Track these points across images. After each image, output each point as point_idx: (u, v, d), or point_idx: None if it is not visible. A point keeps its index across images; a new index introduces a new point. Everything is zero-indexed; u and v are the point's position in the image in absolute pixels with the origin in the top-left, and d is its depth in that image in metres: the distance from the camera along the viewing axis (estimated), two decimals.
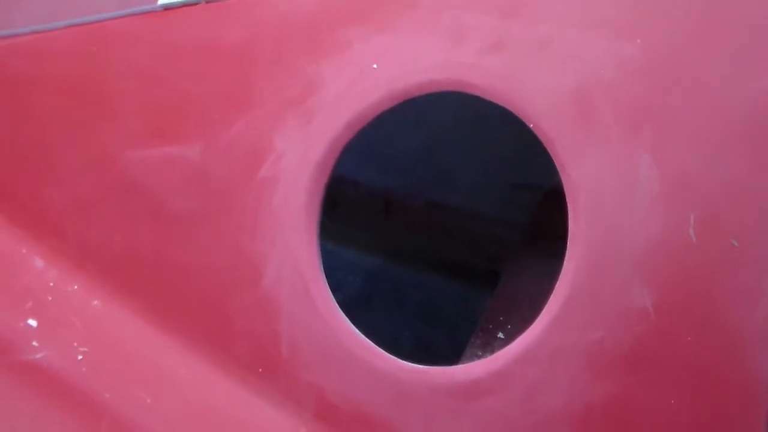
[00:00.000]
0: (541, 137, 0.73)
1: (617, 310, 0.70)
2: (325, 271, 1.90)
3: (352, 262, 2.01)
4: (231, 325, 0.84)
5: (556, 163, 0.72)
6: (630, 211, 0.70)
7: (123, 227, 0.89)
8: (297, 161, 0.81)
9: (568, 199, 0.72)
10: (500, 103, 0.75)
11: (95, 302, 0.90)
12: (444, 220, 1.93)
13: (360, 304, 1.92)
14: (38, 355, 0.86)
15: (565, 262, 0.72)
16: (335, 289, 1.98)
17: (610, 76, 0.72)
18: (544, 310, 0.73)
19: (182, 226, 0.86)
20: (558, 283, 0.72)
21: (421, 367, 0.77)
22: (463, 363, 0.94)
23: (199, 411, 0.83)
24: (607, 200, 0.71)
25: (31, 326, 0.87)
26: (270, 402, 0.83)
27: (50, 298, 0.90)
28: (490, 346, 0.97)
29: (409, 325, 1.91)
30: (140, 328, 0.88)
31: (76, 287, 0.90)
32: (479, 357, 0.96)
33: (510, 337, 0.98)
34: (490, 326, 1.00)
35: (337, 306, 0.80)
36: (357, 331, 0.79)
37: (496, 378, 0.74)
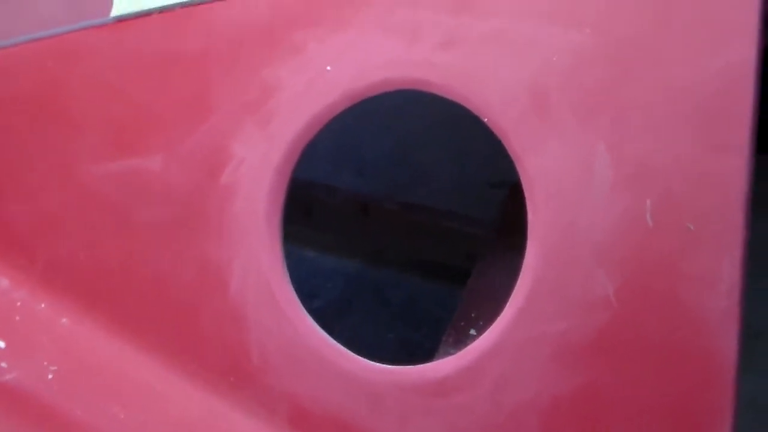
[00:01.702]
0: (496, 131, 0.73)
1: (580, 299, 0.70)
2: (303, 278, 1.90)
3: (331, 268, 2.02)
4: (201, 336, 0.83)
5: (512, 157, 0.72)
6: (587, 200, 0.70)
7: (89, 242, 0.89)
8: (256, 166, 0.81)
9: (525, 192, 0.72)
10: (456, 99, 0.75)
11: (63, 320, 0.89)
12: (421, 220, 1.93)
13: (341, 308, 1.92)
14: (8, 377, 0.85)
15: (526, 255, 0.72)
16: (315, 295, 1.97)
17: (563, 65, 0.73)
18: (508, 304, 0.73)
19: (148, 237, 0.86)
20: (520, 276, 0.72)
21: (390, 367, 0.77)
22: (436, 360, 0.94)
23: (172, 423, 0.83)
24: (565, 191, 0.71)
25: None
26: (243, 412, 0.82)
27: (18, 318, 0.89)
28: (462, 343, 0.97)
29: (392, 327, 1.90)
30: (110, 342, 0.87)
31: (43, 305, 0.90)
32: (451, 355, 0.96)
33: (481, 333, 0.98)
34: (462, 323, 1.00)
35: (304, 310, 0.79)
36: (326, 335, 0.78)
37: (464, 374, 0.74)
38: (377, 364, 0.77)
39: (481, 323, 1.00)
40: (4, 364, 0.86)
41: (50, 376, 0.85)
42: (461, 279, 1.97)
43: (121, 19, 0.86)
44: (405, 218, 1.92)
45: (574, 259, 0.70)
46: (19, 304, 0.90)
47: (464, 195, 2.07)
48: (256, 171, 0.81)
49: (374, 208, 1.94)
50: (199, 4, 0.85)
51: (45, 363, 0.86)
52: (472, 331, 0.99)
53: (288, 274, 0.80)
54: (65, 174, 0.89)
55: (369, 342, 1.89)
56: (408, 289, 1.98)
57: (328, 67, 0.79)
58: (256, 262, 0.80)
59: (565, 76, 0.72)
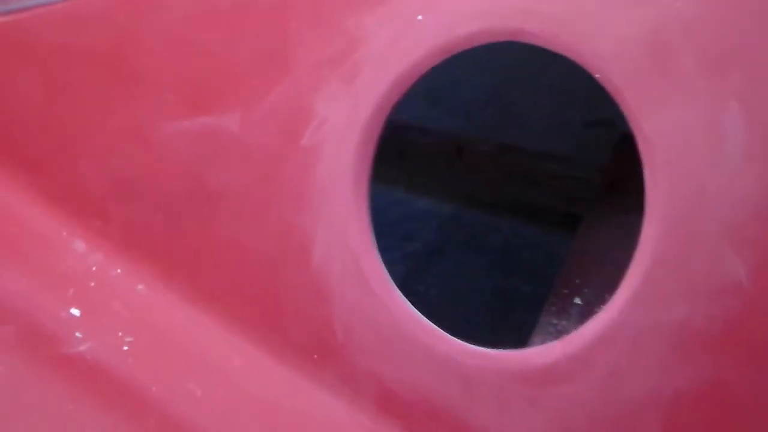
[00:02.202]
0: (608, 88, 0.64)
1: (706, 283, 0.61)
2: (396, 220, 1.83)
3: (424, 211, 1.96)
4: (283, 309, 0.77)
5: (628, 117, 0.63)
6: (717, 168, 0.61)
7: (165, 204, 0.83)
8: (341, 127, 0.73)
9: (642, 158, 0.63)
10: (563, 52, 0.66)
11: (140, 287, 0.84)
12: (517, 162, 1.86)
13: (434, 253, 1.86)
14: (82, 347, 0.81)
15: (644, 229, 0.63)
16: (409, 238, 1.91)
17: (689, 12, 0.62)
18: (621, 285, 0.64)
19: (225, 202, 0.80)
20: (636, 253, 0.63)
21: (489, 351, 0.69)
22: (537, 333, 0.86)
23: (253, 402, 0.77)
24: (690, 158, 0.61)
25: (74, 316, 0.82)
26: (327, 390, 0.76)
27: (93, 284, 0.85)
28: (565, 312, 0.89)
29: (488, 273, 1.84)
30: (187, 313, 0.81)
31: (119, 271, 0.85)
32: (555, 326, 0.88)
33: (588, 303, 0.90)
34: (565, 291, 0.91)
35: (394, 285, 0.72)
36: (416, 311, 0.71)
37: (572, 362, 0.66)
38: (474, 346, 0.69)
39: (587, 291, 0.92)
40: (78, 334, 0.81)
41: (125, 348, 0.80)
42: (559, 222, 1.89)
43: None
44: (500, 160, 1.85)
45: (699, 236, 0.61)
46: (94, 268, 0.85)
47: (560, 135, 1.98)
48: (340, 132, 0.73)
49: (468, 149, 1.88)
50: None
51: (120, 333, 0.81)
52: (577, 300, 0.90)
53: (376, 246, 0.73)
54: (138, 131, 0.83)
55: (463, 288, 1.83)
56: (504, 233, 1.90)
57: (419, 17, 0.70)
58: (341, 231, 0.73)
59: (691, 24, 0.63)
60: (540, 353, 0.67)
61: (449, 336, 0.71)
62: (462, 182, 1.94)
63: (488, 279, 1.79)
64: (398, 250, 1.87)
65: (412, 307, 0.72)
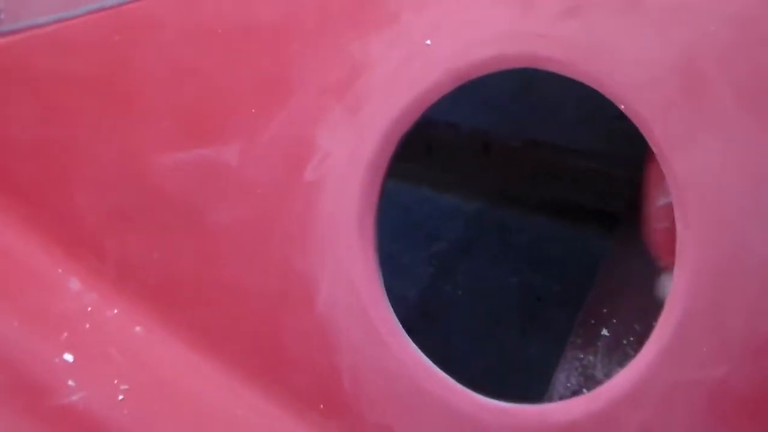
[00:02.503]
0: (635, 121, 0.57)
1: (745, 341, 0.55)
2: (423, 218, 1.78)
3: (451, 208, 1.90)
4: (287, 355, 0.72)
5: (657, 154, 0.57)
6: (758, 216, 0.54)
7: (162, 242, 0.78)
8: (345, 161, 0.67)
9: (673, 199, 0.56)
10: (583, 80, 0.59)
11: (137, 329, 0.79)
12: (546, 157, 1.80)
13: (461, 252, 1.80)
14: (75, 397, 0.76)
15: (675, 277, 0.56)
16: (436, 237, 1.86)
17: (726, 37, 0.56)
18: (651, 337, 0.58)
19: (224, 239, 0.74)
20: (668, 303, 0.57)
21: (506, 405, 0.63)
22: (561, 369, 0.80)
23: None
24: (726, 202, 0.55)
25: (66, 362, 0.77)
26: None
27: (88, 326, 0.80)
28: (592, 346, 0.83)
29: (517, 271, 1.78)
30: (186, 359, 0.76)
31: (115, 311, 0.80)
32: (580, 361, 0.81)
33: (616, 335, 0.83)
34: (592, 321, 0.85)
35: (403, 332, 0.67)
36: (428, 361, 0.66)
37: (598, 421, 0.60)
38: (490, 400, 0.63)
39: (615, 322, 0.85)
40: (71, 382, 0.76)
41: (120, 397, 0.75)
42: (590, 219, 1.82)
43: None
44: (529, 156, 1.80)
45: (737, 288, 0.55)
46: (89, 309, 0.79)
47: (590, 130, 1.91)
48: (345, 166, 0.67)
49: (496, 145, 1.82)
50: None
51: (115, 381, 0.76)
52: (604, 331, 0.84)
53: (384, 289, 0.67)
54: (133, 164, 0.78)
55: (491, 287, 1.77)
56: (533, 230, 1.85)
57: (428, 41, 0.64)
58: (346, 273, 0.67)
59: (728, 50, 0.56)
60: (561, 410, 0.61)
61: (463, 388, 0.65)
62: (490, 178, 1.88)
63: (516, 277, 1.73)
64: (424, 250, 1.82)
65: (424, 356, 0.66)
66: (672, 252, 0.61)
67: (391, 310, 0.67)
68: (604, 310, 0.87)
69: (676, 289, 0.57)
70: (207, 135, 0.75)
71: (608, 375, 0.75)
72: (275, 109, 0.71)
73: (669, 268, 0.62)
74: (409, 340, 0.67)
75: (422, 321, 1.49)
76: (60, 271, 0.82)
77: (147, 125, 0.77)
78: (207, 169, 0.75)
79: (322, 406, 0.71)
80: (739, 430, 0.56)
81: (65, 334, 0.79)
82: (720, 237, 0.55)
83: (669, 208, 0.62)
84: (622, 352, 0.73)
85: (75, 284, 0.82)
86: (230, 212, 0.74)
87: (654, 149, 0.57)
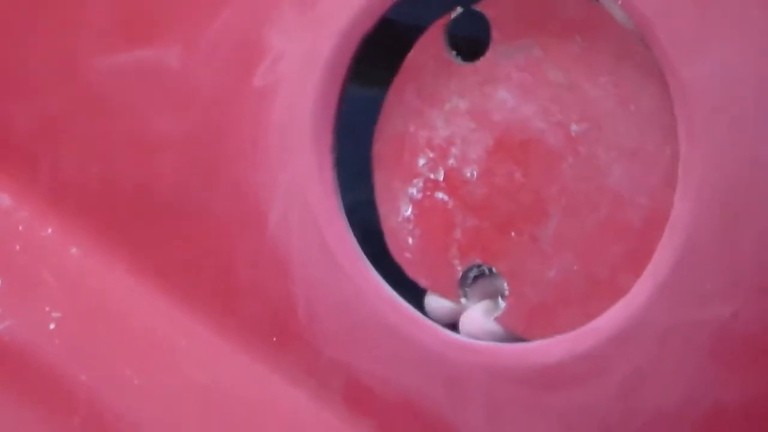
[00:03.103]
0: (634, 18, 0.48)
1: (758, 274, 0.47)
2: None
3: None
4: (237, 281, 0.63)
5: (659, 58, 0.48)
6: None
7: (100, 154, 0.69)
8: (299, 63, 0.58)
9: (677, 112, 0.48)
10: None
11: (73, 250, 0.70)
12: None
13: None
14: (2, 326, 0.67)
15: (677, 200, 0.48)
16: None
17: None
18: (647, 270, 0.49)
19: (168, 152, 0.65)
20: (668, 229, 0.48)
21: (478, 344, 0.55)
22: None
23: (200, 391, 0.64)
24: (740, 115, 0.46)
25: None
26: (288, 380, 0.63)
27: (18, 247, 0.71)
28: None
29: None
30: (126, 284, 0.68)
31: (49, 231, 0.71)
32: None
33: None
34: None
35: (365, 258, 0.58)
36: (392, 292, 0.57)
37: (583, 362, 0.52)
38: (461, 338, 0.55)
39: None
40: None
41: (52, 326, 0.67)
42: None
43: None
44: None
45: (749, 214, 0.46)
46: (21, 228, 0.70)
47: None
48: (299, 69, 0.58)
49: None
50: None
51: (47, 308, 0.68)
52: None
53: (343, 210, 0.58)
54: (66, 67, 0.69)
55: None
56: None
57: None
58: (300, 192, 0.59)
59: None
60: (542, 349, 0.53)
61: (432, 323, 0.57)
62: None
63: None
64: None
65: (388, 285, 0.57)
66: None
67: (351, 233, 0.59)
68: None
69: (678, 215, 0.48)
70: (146, 35, 0.66)
71: None
72: (219, 6, 0.61)
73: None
74: (371, 267, 0.58)
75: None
76: None
77: (80, 25, 0.68)
78: (147, 73, 0.66)
79: (275, 338, 0.63)
80: (745, 377, 0.48)
81: None
82: (729, 153, 0.46)
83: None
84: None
85: (4, 201, 0.73)
86: (173, 122, 0.65)
87: (655, 52, 0.48)
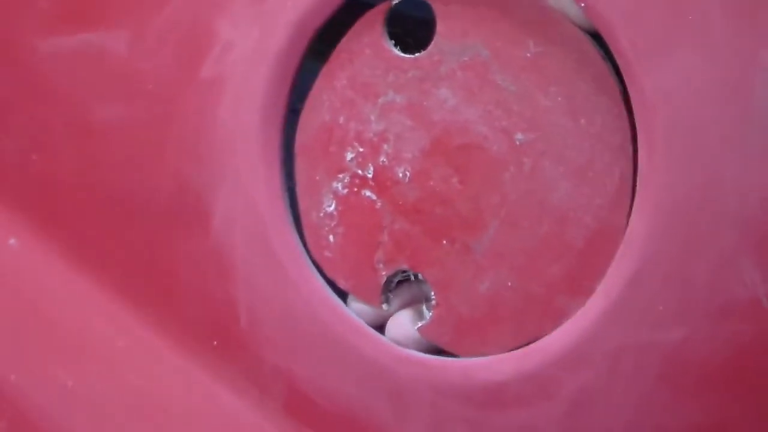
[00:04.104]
0: (596, 23, 0.45)
1: (711, 298, 0.45)
2: None
3: None
4: (177, 282, 0.61)
5: (620, 63, 0.45)
6: (739, 145, 0.43)
7: (40, 141, 0.65)
8: (248, 55, 0.55)
9: (637, 120, 0.45)
10: None
11: (11, 241, 0.67)
12: None
13: None
14: None
15: (632, 221, 0.46)
16: None
17: None
18: (599, 289, 0.47)
19: (111, 142, 0.62)
20: (621, 250, 0.46)
21: (425, 357, 0.52)
22: None
23: (136, 395, 0.61)
24: (703, 126, 0.44)
25: None
26: (228, 386, 0.60)
27: None
28: None
29: None
30: (65, 280, 0.65)
31: None
32: None
33: None
34: None
35: (310, 264, 0.55)
36: (338, 300, 0.54)
37: (529, 383, 0.49)
38: (407, 351, 0.52)
39: None
40: None
41: None
42: None
43: None
44: None
45: (708, 235, 0.44)
46: None
47: None
48: (248, 62, 0.55)
49: None
50: None
51: None
52: None
53: (289, 212, 0.55)
54: (5, 50, 0.65)
55: None
56: None
57: None
58: (245, 190, 0.56)
59: None
60: (488, 367, 0.51)
61: (377, 334, 0.54)
62: None
63: None
64: None
65: (334, 294, 0.55)
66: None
67: (297, 236, 0.56)
68: None
69: (632, 233, 0.46)
70: (92, 18, 0.62)
71: None
72: None
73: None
74: (317, 273, 0.55)
75: None
76: None
77: (22, 4, 0.64)
78: (91, 57, 0.63)
79: (215, 342, 0.60)
80: (695, 402, 0.46)
81: None
82: (690, 172, 0.44)
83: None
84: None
85: None
86: (117, 110, 0.62)
87: (616, 57, 0.45)
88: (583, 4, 0.47)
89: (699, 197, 0.45)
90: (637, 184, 0.47)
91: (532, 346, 0.51)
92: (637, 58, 0.46)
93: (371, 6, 0.54)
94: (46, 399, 0.63)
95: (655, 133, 0.46)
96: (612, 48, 0.47)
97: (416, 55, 0.52)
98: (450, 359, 0.54)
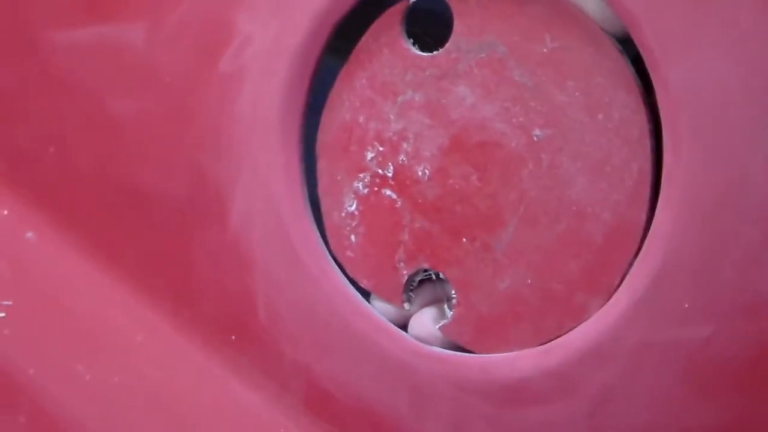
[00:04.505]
0: (621, 15, 0.45)
1: (738, 296, 0.44)
2: None
3: None
4: (196, 275, 0.60)
5: (645, 56, 0.45)
6: (766, 142, 0.42)
7: (58, 134, 0.65)
8: (268, 49, 0.55)
9: (662, 117, 0.44)
10: None
11: (29, 234, 0.66)
12: None
13: None
14: None
15: (658, 214, 0.45)
16: None
17: None
18: (623, 285, 0.47)
19: (128, 134, 0.62)
20: (647, 242, 0.45)
21: (445, 353, 0.52)
22: None
23: (154, 389, 0.61)
24: (728, 123, 0.43)
25: None
26: (246, 381, 0.60)
27: None
28: None
29: None
30: (83, 273, 0.65)
31: (6, 213, 0.67)
32: None
33: None
34: None
35: (331, 259, 0.55)
36: (358, 295, 0.54)
37: (551, 379, 0.49)
38: (427, 347, 0.52)
39: None
40: None
41: (2, 315, 0.63)
42: None
43: None
44: None
45: (734, 232, 0.44)
46: None
47: None
48: (267, 56, 0.55)
49: None
50: None
51: None
52: None
53: (309, 206, 0.55)
54: (21, 41, 0.65)
55: None
56: None
57: None
58: (264, 184, 0.55)
59: None
60: (508, 363, 0.50)
61: (397, 330, 0.54)
62: None
63: None
64: None
65: (353, 288, 0.54)
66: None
67: (317, 232, 0.56)
68: None
69: (657, 229, 0.45)
70: (109, 10, 0.62)
71: None
72: None
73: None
74: (335, 267, 0.55)
75: None
76: None
77: None
78: (108, 50, 0.62)
79: (233, 337, 0.60)
80: (719, 401, 0.46)
81: None
82: (716, 167, 0.43)
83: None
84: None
85: None
86: (135, 103, 0.62)
87: (641, 50, 0.45)
88: None
89: (724, 193, 0.45)
90: (662, 180, 0.47)
91: (553, 342, 0.50)
92: (662, 51, 0.45)
93: (390, 2, 0.53)
94: (64, 392, 0.63)
95: (680, 128, 0.45)
96: (637, 41, 0.46)
97: (434, 53, 0.52)
98: (470, 355, 0.53)
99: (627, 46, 0.48)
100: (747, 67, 0.44)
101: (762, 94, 0.43)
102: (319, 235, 0.56)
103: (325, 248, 0.56)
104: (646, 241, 0.47)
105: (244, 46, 0.56)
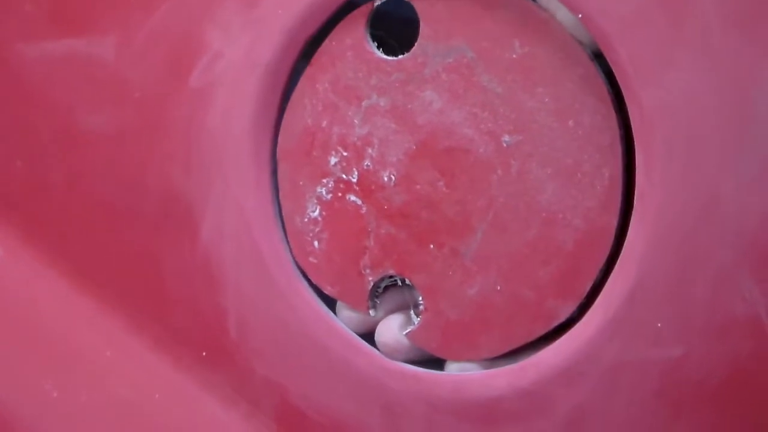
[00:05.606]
0: (595, 35, 0.45)
1: (711, 315, 0.44)
2: None
3: None
4: (165, 291, 0.60)
5: (619, 78, 0.44)
6: (739, 163, 0.42)
7: (26, 148, 0.64)
8: (238, 65, 0.54)
9: (636, 137, 0.44)
10: None
11: None
12: None
13: None
14: None
15: (629, 236, 0.45)
16: None
17: None
18: (596, 303, 0.46)
19: (98, 149, 0.61)
20: (618, 266, 0.45)
21: (417, 371, 0.52)
22: None
23: (124, 407, 0.61)
24: (701, 144, 0.43)
25: None
26: (218, 398, 0.59)
27: None
28: None
29: None
30: (52, 289, 0.63)
31: None
32: None
33: None
34: None
35: (301, 276, 0.54)
36: (330, 313, 0.53)
37: (525, 398, 0.49)
38: (400, 364, 0.51)
39: None
40: None
41: None
42: None
43: None
44: None
45: (706, 251, 0.44)
46: None
47: None
48: (237, 72, 0.54)
49: None
50: None
51: None
52: None
53: (279, 221, 0.54)
54: None
55: None
56: None
57: None
58: (235, 200, 0.55)
59: None
60: (481, 382, 0.50)
61: (370, 347, 0.53)
62: None
63: None
64: None
65: (324, 306, 0.54)
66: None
67: (288, 248, 0.55)
68: None
69: (630, 248, 0.45)
70: (79, 23, 0.61)
71: None
72: None
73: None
74: (306, 284, 0.55)
75: None
76: None
77: (6, 7, 0.63)
78: (78, 63, 0.61)
79: (204, 353, 0.59)
80: (692, 421, 0.45)
81: None
82: (689, 187, 0.43)
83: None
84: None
85: None
86: (105, 118, 0.61)
87: (615, 71, 0.45)
88: (580, 15, 0.46)
89: (698, 212, 0.45)
90: (635, 198, 0.47)
91: (527, 361, 0.50)
92: (635, 70, 0.45)
93: (356, 6, 0.53)
94: (31, 411, 0.62)
95: (653, 148, 0.45)
96: (609, 60, 0.46)
97: (400, 57, 0.51)
98: (442, 373, 0.53)
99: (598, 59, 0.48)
100: (720, 87, 0.44)
101: (734, 114, 0.43)
102: (290, 252, 0.55)
103: (296, 265, 0.55)
104: (619, 261, 0.47)
105: (215, 61, 0.56)
